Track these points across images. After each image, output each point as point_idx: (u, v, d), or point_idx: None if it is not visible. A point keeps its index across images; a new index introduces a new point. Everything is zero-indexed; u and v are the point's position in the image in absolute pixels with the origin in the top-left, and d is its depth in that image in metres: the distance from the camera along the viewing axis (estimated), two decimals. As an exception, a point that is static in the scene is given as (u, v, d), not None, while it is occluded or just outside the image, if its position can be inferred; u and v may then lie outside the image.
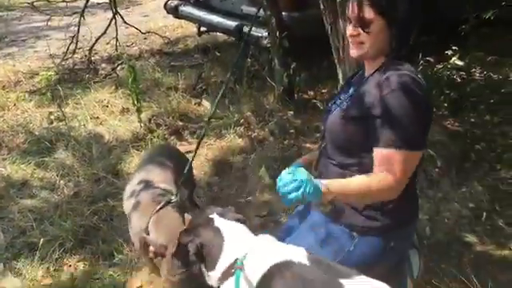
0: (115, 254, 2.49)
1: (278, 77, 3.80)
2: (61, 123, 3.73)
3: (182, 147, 3.47)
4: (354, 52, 1.77)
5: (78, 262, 2.47)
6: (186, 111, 3.89)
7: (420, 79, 1.68)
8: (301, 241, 1.87)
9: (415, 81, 1.65)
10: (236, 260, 1.42)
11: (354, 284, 1.35)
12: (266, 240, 1.54)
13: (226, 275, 1.42)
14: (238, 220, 1.60)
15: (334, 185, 1.64)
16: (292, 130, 3.56)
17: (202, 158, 3.33)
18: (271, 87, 3.91)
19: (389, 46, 1.71)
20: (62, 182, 3.10)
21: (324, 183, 1.61)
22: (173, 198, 1.98)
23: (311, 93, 4.08)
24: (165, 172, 2.26)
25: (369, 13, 1.65)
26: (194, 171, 3.13)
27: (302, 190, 1.52)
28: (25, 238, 2.60)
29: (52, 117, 3.72)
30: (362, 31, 1.68)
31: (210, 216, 1.55)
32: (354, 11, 1.69)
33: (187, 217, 1.82)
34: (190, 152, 3.40)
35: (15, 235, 2.64)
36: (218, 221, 1.53)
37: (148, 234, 1.87)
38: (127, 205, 2.13)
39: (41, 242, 2.47)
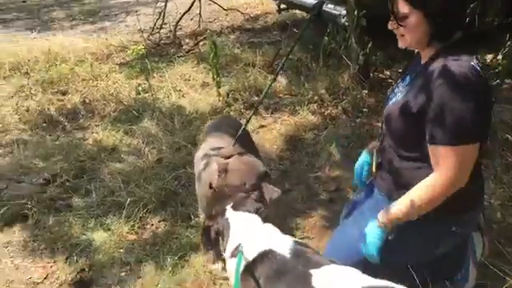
0: (192, 216, 2.71)
1: (354, 55, 3.82)
2: (147, 94, 4.02)
3: (257, 122, 3.64)
4: (399, 43, 1.80)
5: (159, 221, 2.72)
6: (263, 87, 4.02)
7: (476, 68, 1.64)
8: (362, 219, 1.97)
9: (470, 71, 1.62)
10: (239, 244, 1.66)
11: (323, 273, 1.48)
12: (266, 229, 1.73)
13: (232, 255, 1.68)
14: (257, 209, 1.81)
15: (388, 217, 1.78)
16: (365, 109, 3.60)
17: (275, 133, 3.47)
18: (347, 66, 3.94)
19: (432, 37, 1.70)
20: (146, 149, 3.37)
21: (381, 221, 1.79)
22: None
23: (387, 72, 4.07)
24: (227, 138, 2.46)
25: (403, 8, 1.66)
26: (267, 145, 3.30)
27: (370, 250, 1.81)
28: (113, 198, 2.88)
29: (140, 88, 4.01)
30: (399, 25, 1.70)
31: (226, 207, 1.82)
32: (391, 6, 1.71)
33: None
34: (263, 126, 3.58)
35: (105, 194, 2.93)
36: (229, 212, 1.80)
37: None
38: (196, 168, 2.35)
39: (127, 202, 2.75)
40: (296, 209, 2.72)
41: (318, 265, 1.51)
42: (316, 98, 3.73)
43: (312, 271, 1.48)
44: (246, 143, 2.48)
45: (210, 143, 2.48)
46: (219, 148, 2.35)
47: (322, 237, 2.48)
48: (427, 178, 1.72)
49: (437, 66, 1.69)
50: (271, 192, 1.95)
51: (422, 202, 1.73)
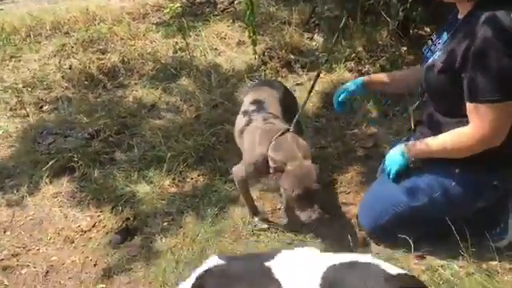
0: (229, 171, 2.78)
1: (394, 11, 3.72)
2: (184, 53, 4.06)
3: (293, 80, 3.65)
4: None
5: (198, 175, 2.81)
6: (298, 45, 4.00)
7: None
8: None
9: (509, 25, 1.60)
10: None
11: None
12: None
13: None
14: None
15: (415, 149, 1.92)
16: (404, 67, 3.54)
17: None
18: (385, 22, 3.85)
19: None
20: (184, 106, 3.45)
21: (407, 149, 1.95)
22: (291, 128, 2.20)
23: (427, 29, 3.96)
24: (275, 102, 2.47)
25: None
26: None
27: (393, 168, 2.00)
28: (154, 152, 2.98)
29: (177, 47, 4.05)
30: None
31: None
32: None
33: (301, 142, 2.09)
34: (300, 84, 3.58)
35: (146, 149, 3.04)
36: None
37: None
38: (242, 130, 2.39)
39: (167, 156, 2.84)
40: (333, 165, 2.76)
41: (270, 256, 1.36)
42: (353, 55, 3.70)
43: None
44: (290, 103, 2.56)
45: (252, 98, 2.53)
46: (261, 104, 2.39)
47: (358, 192, 2.52)
48: (463, 128, 1.74)
49: (475, 20, 1.67)
50: (307, 215, 1.96)
51: (450, 149, 1.80)
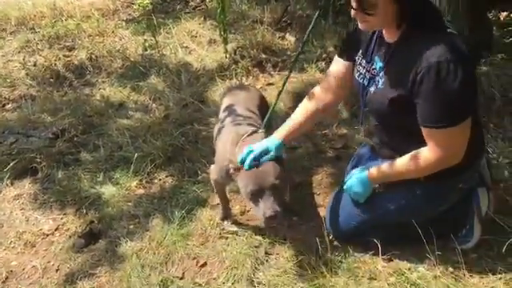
0: (199, 172, 2.73)
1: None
2: (153, 51, 3.98)
3: (264, 79, 3.62)
4: (361, 26, 1.73)
5: (167, 177, 2.75)
6: (270, 44, 3.97)
7: (457, 46, 1.61)
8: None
9: (453, 52, 1.59)
10: None
11: None
12: None
13: None
14: None
15: (377, 176, 1.92)
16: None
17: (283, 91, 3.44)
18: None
19: (402, 16, 1.64)
20: (153, 105, 3.38)
21: (370, 176, 1.95)
22: (260, 130, 2.16)
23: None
24: (250, 104, 2.45)
25: None
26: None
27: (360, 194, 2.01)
28: (121, 153, 2.91)
29: (146, 44, 3.96)
30: (365, 15, 1.63)
31: None
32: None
33: None
34: (271, 84, 3.56)
35: (113, 149, 2.96)
36: None
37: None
38: (216, 134, 2.36)
39: (135, 157, 2.77)
40: (302, 166, 2.73)
41: None
42: (324, 55, 3.69)
43: None
44: (264, 106, 2.54)
45: (227, 103, 2.51)
46: (235, 113, 2.36)
47: (328, 193, 2.50)
48: (421, 150, 1.75)
49: (413, 44, 1.65)
50: (261, 211, 1.86)
51: (410, 171, 1.81)
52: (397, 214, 1.96)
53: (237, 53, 3.83)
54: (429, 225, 1.93)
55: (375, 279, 1.93)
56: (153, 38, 4.00)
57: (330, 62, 3.59)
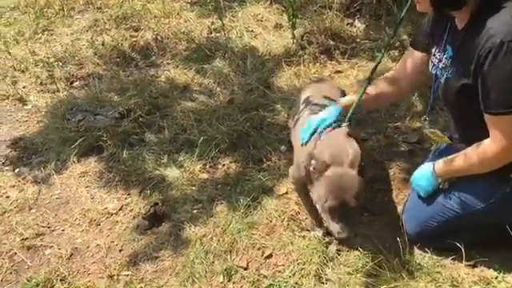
0: (264, 160, 2.65)
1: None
2: (219, 34, 3.92)
3: (332, 67, 3.48)
4: (418, 8, 1.71)
5: (231, 162, 2.68)
6: (338, 31, 3.80)
7: None
8: None
9: None
10: None
11: None
12: None
13: None
14: None
15: (442, 170, 1.85)
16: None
17: (352, 79, 3.30)
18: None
19: None
20: (218, 89, 3.32)
21: (435, 168, 1.86)
22: (343, 124, 1.98)
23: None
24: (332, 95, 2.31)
25: None
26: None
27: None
28: (186, 136, 2.87)
29: (212, 27, 3.91)
30: None
31: None
32: None
33: (354, 145, 1.83)
34: (339, 72, 3.42)
35: (177, 132, 2.92)
36: None
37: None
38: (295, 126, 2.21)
39: (200, 140, 2.72)
40: (373, 159, 2.59)
41: None
42: (397, 43, 3.49)
43: None
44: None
45: (307, 94, 2.37)
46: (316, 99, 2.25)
47: (401, 190, 2.36)
48: (483, 142, 1.64)
49: (479, 28, 1.53)
50: (336, 230, 1.73)
51: (473, 165, 1.71)
52: (484, 214, 1.80)
53: (304, 38, 3.69)
54: None
55: (458, 287, 1.78)
56: (218, 21, 3.94)
57: (403, 50, 3.48)
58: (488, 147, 1.62)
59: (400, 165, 2.53)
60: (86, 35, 4.13)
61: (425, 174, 1.91)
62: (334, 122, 1.94)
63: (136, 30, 4.16)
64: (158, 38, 4.01)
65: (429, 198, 1.93)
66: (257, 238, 2.16)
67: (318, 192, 1.77)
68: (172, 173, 2.62)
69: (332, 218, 1.73)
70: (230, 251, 2.12)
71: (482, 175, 1.73)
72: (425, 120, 2.06)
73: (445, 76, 1.76)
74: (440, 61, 1.80)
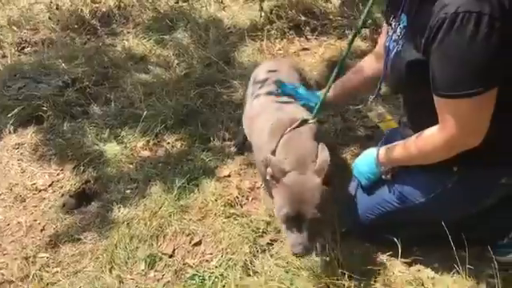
0: (211, 139, 2.47)
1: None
2: (185, 4, 3.69)
3: (300, 43, 3.28)
4: None
5: (176, 140, 2.50)
6: (311, 6, 3.58)
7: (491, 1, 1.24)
8: None
9: (483, 2, 1.24)
10: None
11: None
12: None
13: None
14: None
15: (385, 157, 1.66)
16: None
17: (318, 57, 3.10)
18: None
19: None
20: (176, 61, 3.11)
21: (378, 155, 1.68)
22: (310, 120, 1.73)
23: None
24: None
25: None
26: (307, 69, 2.94)
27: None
28: (132, 109, 2.68)
29: (179, -4, 3.68)
30: None
31: None
32: None
33: (322, 148, 1.59)
34: (306, 49, 3.21)
35: (124, 105, 2.73)
36: None
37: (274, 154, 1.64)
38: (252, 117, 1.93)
39: (144, 114, 2.53)
40: (327, 143, 2.40)
41: None
42: (370, 21, 3.29)
43: None
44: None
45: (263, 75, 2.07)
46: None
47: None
48: (430, 129, 1.45)
49: (441, 4, 1.30)
50: (293, 241, 1.50)
51: (415, 154, 1.52)
52: (423, 210, 1.64)
53: (273, 12, 3.47)
54: (462, 228, 1.60)
55: (389, 286, 1.62)
56: (187, -10, 3.72)
57: (376, 29, 3.28)
58: (436, 135, 1.43)
59: (354, 150, 2.36)
60: (46, -1, 3.89)
61: (367, 160, 1.73)
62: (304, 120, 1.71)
63: (100, -4, 3.92)
64: (121, 5, 3.78)
65: (368, 189, 1.76)
66: (187, 223, 1.99)
67: (275, 200, 1.56)
68: (111, 149, 2.44)
69: (289, 229, 1.52)
70: (157, 236, 1.96)
71: (423, 168, 1.55)
72: (371, 101, 1.84)
73: (395, 50, 1.54)
74: (394, 32, 1.57)
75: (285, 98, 1.87)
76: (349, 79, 1.94)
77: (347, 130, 2.50)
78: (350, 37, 1.86)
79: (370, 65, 1.92)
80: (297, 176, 1.52)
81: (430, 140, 1.45)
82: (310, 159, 1.56)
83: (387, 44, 1.61)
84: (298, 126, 1.68)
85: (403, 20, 1.51)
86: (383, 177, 1.70)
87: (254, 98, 1.98)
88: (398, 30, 1.53)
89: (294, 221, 1.48)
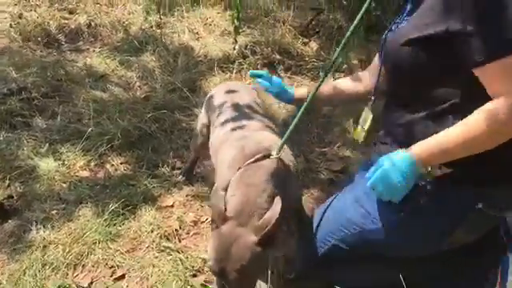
0: (160, 165, 2.24)
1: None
2: (159, 30, 3.54)
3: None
4: None
5: (122, 163, 2.27)
6: (288, 46, 3.48)
7: None
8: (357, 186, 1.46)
9: None
10: None
11: None
12: None
13: None
14: None
15: (427, 149, 1.21)
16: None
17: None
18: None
19: None
20: (138, 83, 2.92)
21: (414, 152, 1.22)
22: (273, 153, 1.46)
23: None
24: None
25: None
26: (274, 106, 2.78)
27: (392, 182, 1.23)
28: (78, 125, 2.44)
29: (150, 18, 3.53)
30: None
31: None
32: None
33: (277, 199, 1.31)
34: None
35: (71, 121, 2.50)
36: None
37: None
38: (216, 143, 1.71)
39: (88, 131, 2.30)
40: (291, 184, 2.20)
41: None
42: (345, 67, 3.18)
43: None
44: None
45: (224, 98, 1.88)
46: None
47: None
48: (482, 108, 1.15)
49: None
50: None
51: (481, 135, 1.14)
52: (387, 236, 1.37)
53: (248, 47, 3.34)
54: (435, 265, 1.37)
55: None
56: (163, 17, 3.58)
57: (350, 74, 3.16)
58: (497, 106, 1.12)
59: (314, 193, 2.16)
60: (14, 8, 3.70)
61: (398, 161, 1.23)
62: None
63: (71, 13, 3.76)
64: (92, 24, 3.61)
65: (338, 208, 1.51)
66: (112, 254, 1.72)
67: (208, 247, 1.33)
68: (46, 165, 2.18)
69: (217, 282, 1.30)
70: (75, 265, 1.68)
71: None
72: (371, 101, 1.57)
73: (393, 28, 1.35)
74: (395, 23, 1.39)
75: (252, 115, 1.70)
76: (344, 81, 1.72)
77: (309, 172, 2.30)
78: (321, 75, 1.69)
79: (367, 77, 1.67)
80: (232, 228, 1.28)
81: (493, 115, 1.13)
82: (259, 205, 1.32)
83: (385, 36, 1.40)
84: (257, 161, 1.44)
85: (407, 8, 1.34)
86: (422, 183, 1.31)
87: (217, 126, 1.75)
88: (398, 19, 1.37)
89: (218, 276, 1.26)
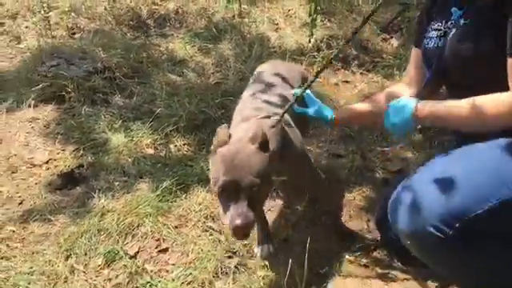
0: (220, 149, 2.34)
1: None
2: (240, 20, 3.65)
3: (342, 75, 3.12)
4: None
5: (184, 144, 2.40)
6: (367, 42, 3.44)
7: None
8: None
9: None
10: None
11: None
12: None
13: None
14: None
15: (425, 108, 1.40)
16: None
17: (357, 91, 2.93)
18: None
19: None
20: (211, 70, 3.04)
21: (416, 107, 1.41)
22: (275, 116, 1.56)
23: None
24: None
25: None
26: (341, 101, 2.77)
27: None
28: (151, 106, 2.61)
29: (236, 11, 3.64)
30: None
31: None
32: None
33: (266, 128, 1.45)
34: (347, 82, 3.06)
35: (146, 101, 2.68)
36: None
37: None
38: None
39: (157, 112, 2.45)
40: (338, 177, 2.21)
41: None
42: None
43: None
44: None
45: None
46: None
47: (354, 218, 1.97)
48: (501, 93, 1.27)
49: None
50: (230, 216, 1.29)
51: (486, 111, 1.26)
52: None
53: (324, 40, 3.34)
54: None
55: None
56: (245, 7, 3.68)
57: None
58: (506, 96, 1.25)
59: (365, 191, 2.14)
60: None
61: (401, 107, 1.43)
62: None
63: (162, -1, 3.98)
64: (180, 11, 3.80)
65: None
66: (160, 227, 1.85)
67: (211, 175, 1.41)
68: (117, 139, 2.37)
69: (224, 204, 1.34)
70: (126, 234, 1.83)
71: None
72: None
73: (454, 29, 1.43)
74: (440, 30, 1.50)
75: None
76: (380, 100, 1.76)
77: (364, 170, 2.28)
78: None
79: (403, 90, 1.74)
80: (233, 145, 1.39)
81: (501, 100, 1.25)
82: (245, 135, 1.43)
83: (431, 46, 1.53)
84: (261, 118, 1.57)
85: (454, 13, 1.46)
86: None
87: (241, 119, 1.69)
88: (449, 24, 1.47)
89: (232, 192, 1.31)
